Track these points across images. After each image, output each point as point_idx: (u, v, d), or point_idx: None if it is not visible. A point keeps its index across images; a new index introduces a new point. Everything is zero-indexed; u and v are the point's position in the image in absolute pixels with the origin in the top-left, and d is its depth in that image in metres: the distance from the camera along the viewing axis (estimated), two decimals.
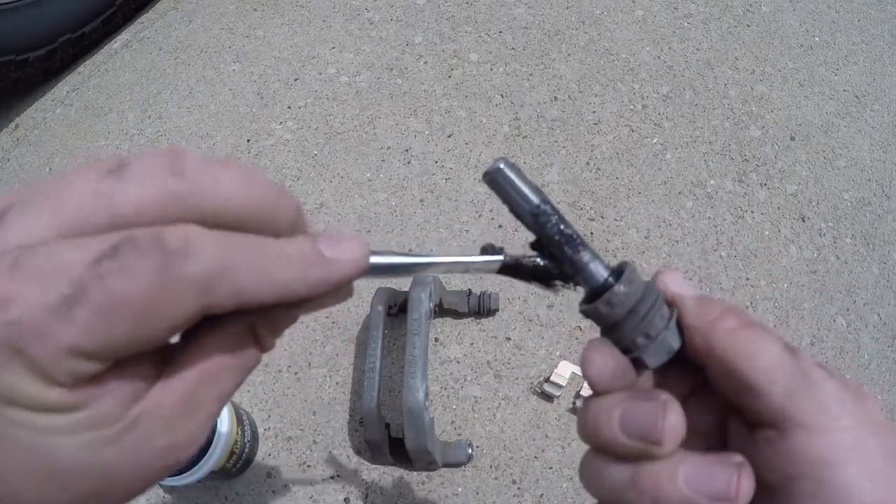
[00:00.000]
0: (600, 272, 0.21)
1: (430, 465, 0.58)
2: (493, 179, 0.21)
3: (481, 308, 0.73)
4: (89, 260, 0.14)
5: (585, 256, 0.21)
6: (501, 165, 0.20)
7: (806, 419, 0.20)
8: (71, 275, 0.14)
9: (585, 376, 0.21)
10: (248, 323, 0.17)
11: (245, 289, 0.15)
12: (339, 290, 0.18)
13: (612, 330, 0.21)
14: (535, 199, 0.20)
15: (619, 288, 0.20)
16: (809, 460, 0.19)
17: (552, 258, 0.21)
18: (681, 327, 0.22)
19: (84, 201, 0.15)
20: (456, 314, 0.75)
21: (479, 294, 0.74)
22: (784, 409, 0.20)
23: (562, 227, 0.21)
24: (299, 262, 0.16)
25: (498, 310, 0.75)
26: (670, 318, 0.21)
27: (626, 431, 0.20)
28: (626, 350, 0.21)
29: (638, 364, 0.21)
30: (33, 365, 0.14)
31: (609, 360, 0.21)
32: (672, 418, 0.20)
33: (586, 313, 0.22)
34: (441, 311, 0.74)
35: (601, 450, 0.21)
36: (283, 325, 0.19)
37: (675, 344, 0.22)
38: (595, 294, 0.21)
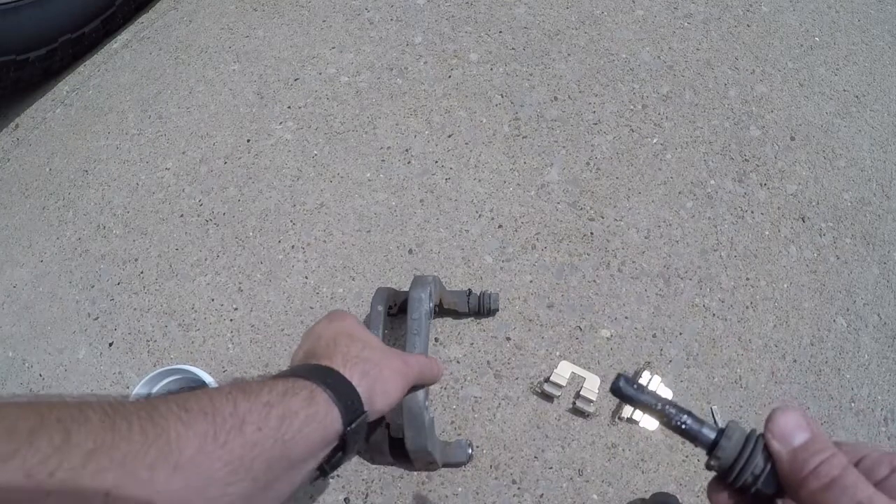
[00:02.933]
0: (709, 435, 0.28)
1: (430, 464, 0.58)
2: (618, 393, 0.30)
3: (481, 308, 0.73)
4: None
5: (699, 428, 0.29)
6: (621, 384, 0.29)
7: None
8: None
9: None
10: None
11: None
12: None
13: (727, 474, 0.28)
14: (657, 404, 0.29)
15: (722, 444, 0.28)
16: None
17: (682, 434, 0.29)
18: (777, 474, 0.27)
19: None
20: (456, 314, 0.75)
21: (479, 294, 0.73)
22: None
23: (681, 421, 0.29)
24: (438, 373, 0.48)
25: (498, 310, 0.75)
26: (765, 465, 0.27)
27: None
28: (741, 489, 0.28)
29: (756, 496, 0.27)
30: None
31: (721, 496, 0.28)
32: None
33: (709, 467, 0.29)
34: (441, 310, 0.74)
35: None
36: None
37: (769, 489, 0.27)
38: (710, 451, 0.28)
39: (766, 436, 0.27)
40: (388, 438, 0.56)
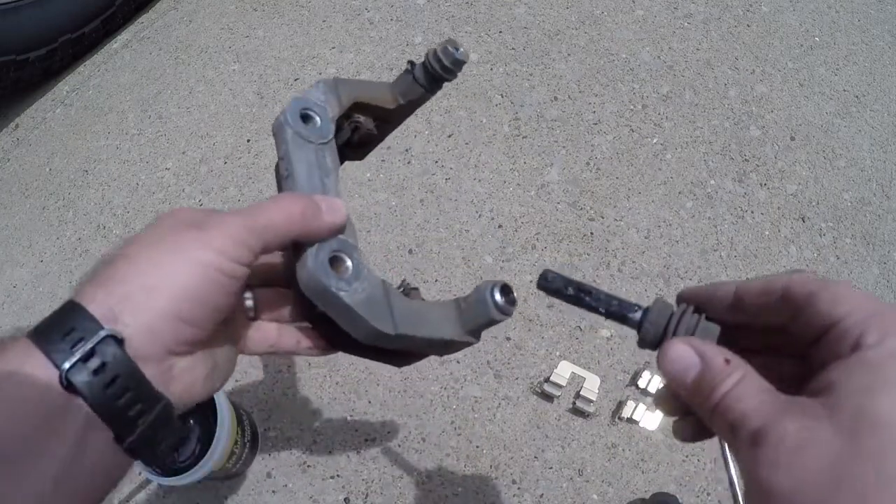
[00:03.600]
0: (636, 315, 0.30)
1: (445, 345, 0.35)
2: (545, 288, 0.31)
3: (438, 74, 0.39)
4: None
5: (626, 311, 0.30)
6: (549, 277, 0.31)
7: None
8: None
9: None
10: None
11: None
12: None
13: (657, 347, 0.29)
14: (583, 295, 0.30)
15: (648, 319, 0.29)
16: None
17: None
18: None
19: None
20: (410, 106, 0.43)
21: (424, 59, 0.39)
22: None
23: (602, 304, 0.30)
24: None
25: (465, 61, 0.39)
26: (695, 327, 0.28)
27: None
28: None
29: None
30: None
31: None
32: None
33: (641, 345, 0.30)
34: (384, 116, 0.43)
35: None
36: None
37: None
38: (638, 329, 0.30)
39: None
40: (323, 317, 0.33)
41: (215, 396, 0.57)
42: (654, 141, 0.88)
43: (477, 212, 0.83)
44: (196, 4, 1.08)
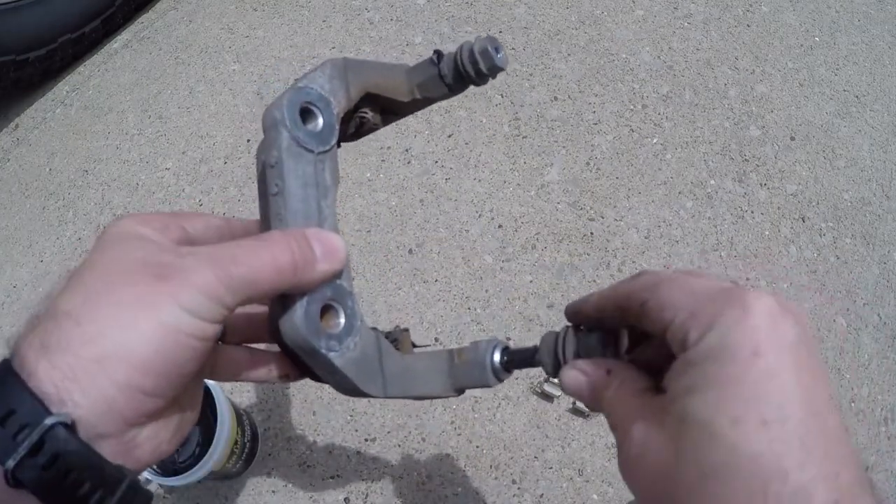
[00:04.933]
0: (531, 352, 0.32)
1: (423, 398, 0.34)
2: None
3: (466, 69, 0.33)
4: None
5: (524, 355, 0.32)
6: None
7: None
8: None
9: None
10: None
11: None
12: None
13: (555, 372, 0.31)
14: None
15: (540, 350, 0.31)
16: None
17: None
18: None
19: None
20: (426, 102, 0.35)
21: (458, 50, 0.33)
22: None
23: (515, 364, 0.33)
24: None
25: (502, 69, 0.33)
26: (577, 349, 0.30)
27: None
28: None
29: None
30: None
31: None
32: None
33: (547, 376, 0.33)
34: (393, 108, 0.35)
35: None
36: None
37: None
38: (535, 364, 0.32)
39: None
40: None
41: (215, 396, 0.57)
42: (654, 141, 0.88)
43: (477, 212, 0.83)
44: (196, 4, 1.08)
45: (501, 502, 0.67)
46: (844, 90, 0.93)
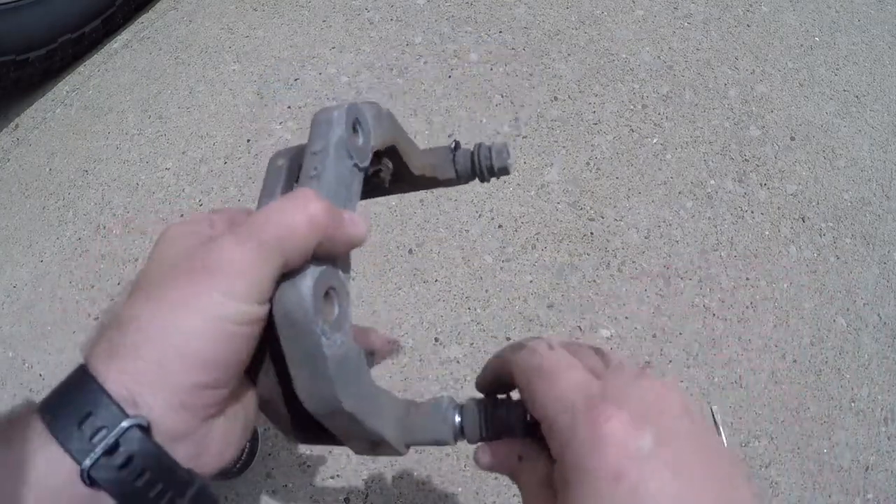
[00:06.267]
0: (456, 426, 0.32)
1: (373, 445, 0.30)
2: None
3: (478, 168, 0.37)
4: None
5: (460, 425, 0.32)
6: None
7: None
8: None
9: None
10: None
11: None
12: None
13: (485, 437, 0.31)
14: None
15: (464, 422, 0.32)
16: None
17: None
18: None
19: None
20: (434, 182, 0.38)
21: (474, 148, 0.37)
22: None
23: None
24: None
25: (507, 170, 0.37)
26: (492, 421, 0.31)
27: None
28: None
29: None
30: None
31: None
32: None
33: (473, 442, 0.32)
34: (403, 174, 0.36)
35: None
36: None
37: (515, 432, 0.31)
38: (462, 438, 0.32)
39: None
40: (280, 385, 0.28)
41: None
42: (654, 141, 0.88)
43: (477, 212, 0.83)
44: (196, 4, 1.08)
45: (501, 502, 0.67)
46: (844, 90, 0.93)
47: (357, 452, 0.30)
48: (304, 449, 0.69)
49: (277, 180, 0.30)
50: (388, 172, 0.35)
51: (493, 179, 0.37)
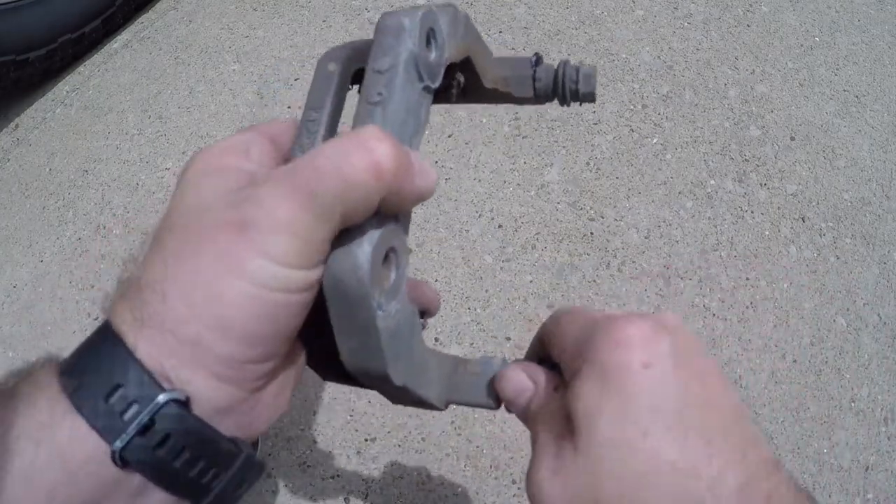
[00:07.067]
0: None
1: (413, 403, 0.29)
2: None
3: (560, 89, 0.32)
4: None
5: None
6: None
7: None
8: None
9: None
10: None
11: None
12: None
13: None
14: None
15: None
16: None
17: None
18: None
19: None
20: (509, 97, 0.34)
21: (560, 64, 0.32)
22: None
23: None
24: None
25: (593, 95, 0.32)
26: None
27: None
28: None
29: None
30: None
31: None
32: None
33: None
34: (474, 88, 0.31)
35: None
36: None
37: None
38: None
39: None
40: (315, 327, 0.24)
41: None
42: (654, 141, 0.88)
43: (477, 212, 0.83)
44: (196, 4, 1.08)
45: (501, 502, 0.67)
46: (844, 90, 0.93)
47: (394, 403, 0.29)
48: (304, 449, 0.69)
49: (327, 91, 0.25)
50: (459, 88, 0.30)
51: (576, 105, 0.32)
